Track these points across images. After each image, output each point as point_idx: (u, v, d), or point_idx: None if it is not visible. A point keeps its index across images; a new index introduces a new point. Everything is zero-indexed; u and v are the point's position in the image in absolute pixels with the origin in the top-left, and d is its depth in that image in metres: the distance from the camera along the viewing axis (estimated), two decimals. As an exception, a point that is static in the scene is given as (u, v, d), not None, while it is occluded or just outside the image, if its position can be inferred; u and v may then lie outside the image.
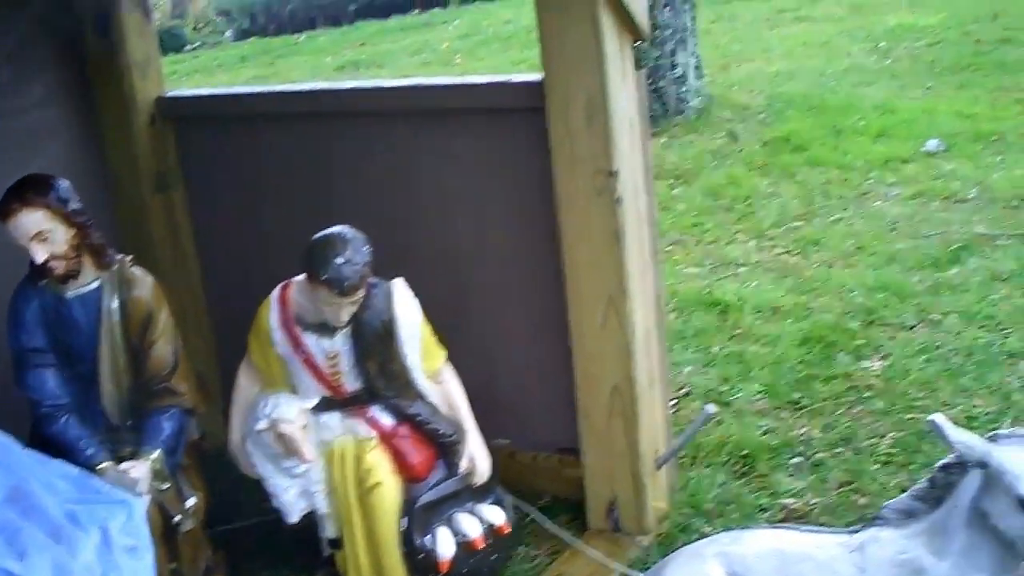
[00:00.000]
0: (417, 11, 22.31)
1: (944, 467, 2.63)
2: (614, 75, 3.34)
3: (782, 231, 6.83)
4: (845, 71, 11.12)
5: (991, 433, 2.57)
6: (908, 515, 2.69)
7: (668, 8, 9.11)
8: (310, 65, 17.15)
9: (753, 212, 7.20)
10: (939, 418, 2.55)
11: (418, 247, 3.99)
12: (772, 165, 8.08)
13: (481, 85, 4.01)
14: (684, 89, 9.32)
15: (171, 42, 20.84)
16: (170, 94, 4.62)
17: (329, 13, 22.67)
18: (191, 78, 17.48)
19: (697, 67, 9.53)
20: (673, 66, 9.22)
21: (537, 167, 3.60)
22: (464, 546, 3.49)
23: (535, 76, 3.52)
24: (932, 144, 8.10)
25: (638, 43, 3.57)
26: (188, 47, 21.91)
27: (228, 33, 23.16)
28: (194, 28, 23.54)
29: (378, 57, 16.95)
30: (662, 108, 9.19)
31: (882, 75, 10.80)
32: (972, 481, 2.55)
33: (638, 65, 3.59)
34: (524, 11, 3.44)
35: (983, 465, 2.48)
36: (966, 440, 2.51)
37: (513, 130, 3.74)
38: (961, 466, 2.56)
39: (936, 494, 2.65)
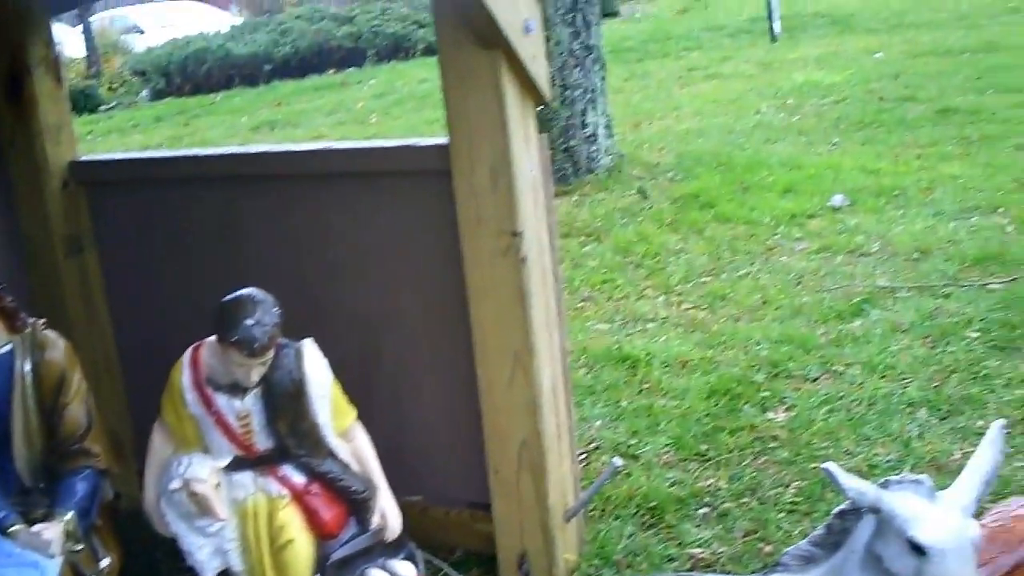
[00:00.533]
0: (333, 71, 22.46)
1: (840, 513, 2.71)
2: (517, 139, 3.44)
3: (690, 286, 6.95)
4: (754, 128, 11.35)
5: (883, 480, 2.66)
6: (807, 561, 2.77)
7: (578, 69, 9.28)
8: (226, 125, 17.18)
9: (662, 268, 7.32)
10: (832, 466, 2.63)
11: (329, 307, 4.04)
12: (681, 222, 8.23)
13: (390, 148, 4.08)
14: (595, 148, 9.47)
15: (85, 102, 20.81)
16: (83, 158, 4.64)
17: (245, 73, 22.72)
18: (106, 138, 17.45)
19: (608, 126, 9.69)
20: (584, 125, 9.38)
21: (445, 228, 3.68)
22: (377, 601, 3.54)
23: (442, 140, 3.60)
24: (837, 199, 8.30)
25: (541, 107, 3.66)
26: (103, 107, 21.82)
27: (144, 93, 23.12)
28: (109, 88, 23.48)
29: (293, 117, 17.02)
30: (573, 167, 9.35)
31: (789, 132, 11.05)
32: (866, 526, 2.63)
33: (541, 128, 3.68)
34: (439, 71, 3.53)
35: (876, 510, 2.56)
36: (859, 486, 2.59)
37: (421, 192, 3.82)
38: (856, 512, 2.64)
39: (833, 539, 2.73)
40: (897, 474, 3.18)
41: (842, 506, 2.72)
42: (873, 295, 6.40)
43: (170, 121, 18.77)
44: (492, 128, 3.41)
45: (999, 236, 7.21)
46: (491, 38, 3.29)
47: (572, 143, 9.35)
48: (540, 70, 3.48)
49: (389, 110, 16.39)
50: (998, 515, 3.02)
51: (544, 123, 9.04)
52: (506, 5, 3.25)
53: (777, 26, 19.54)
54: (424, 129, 13.13)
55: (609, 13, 26.92)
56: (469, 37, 3.35)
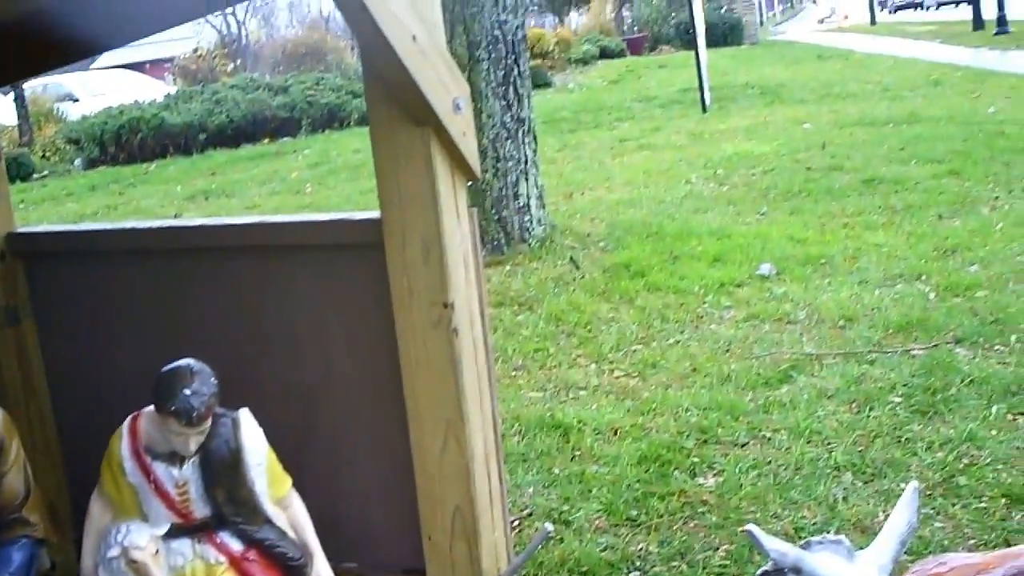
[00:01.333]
0: (267, 140, 22.54)
1: (763, 574, 2.79)
2: (448, 214, 3.54)
3: (622, 354, 7.05)
4: (684, 198, 11.55)
5: (804, 540, 2.74)
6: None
7: (511, 141, 9.44)
8: (160, 194, 17.18)
9: (594, 337, 7.42)
10: (754, 528, 2.71)
11: (265, 378, 4.10)
12: (612, 291, 8.35)
13: (324, 222, 4.17)
14: (527, 219, 9.61)
15: (18, 169, 20.72)
16: (20, 230, 4.69)
17: (180, 142, 22.74)
18: (40, 207, 17.38)
19: (540, 197, 9.83)
20: (516, 196, 9.52)
21: (378, 299, 3.76)
22: (312, 667, 3.59)
23: (374, 214, 3.70)
24: (765, 268, 8.47)
25: (470, 183, 3.76)
26: (36, 175, 21.74)
27: (77, 162, 23.05)
28: (42, 156, 23.40)
29: (228, 186, 17.06)
30: (506, 237, 9.48)
31: (719, 201, 11.25)
32: (789, 586, 2.72)
33: (471, 202, 3.78)
34: (371, 148, 3.59)
35: (796, 570, 2.64)
36: (780, 548, 2.67)
37: (355, 265, 3.90)
38: (779, 572, 2.71)
39: (758, 599, 2.81)
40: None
41: (765, 567, 2.78)
42: (800, 362, 6.54)
43: (104, 190, 18.75)
44: (423, 203, 3.50)
45: (921, 303, 7.38)
46: (422, 116, 3.40)
47: (505, 214, 9.49)
48: (470, 147, 3.59)
49: (324, 180, 16.49)
50: (916, 574, 3.12)
51: (476, 195, 9.25)
52: (436, 85, 3.37)
53: (708, 97, 19.89)
54: (358, 199, 13.23)
55: (542, 84, 27.27)
56: (401, 115, 3.45)
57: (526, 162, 9.62)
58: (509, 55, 9.44)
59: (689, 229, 9.91)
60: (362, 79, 3.66)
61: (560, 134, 18.70)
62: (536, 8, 71.24)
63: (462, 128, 3.55)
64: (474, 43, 9.27)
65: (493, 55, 9.33)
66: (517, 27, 9.58)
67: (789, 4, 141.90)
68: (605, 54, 39.24)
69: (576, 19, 55.33)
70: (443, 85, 3.43)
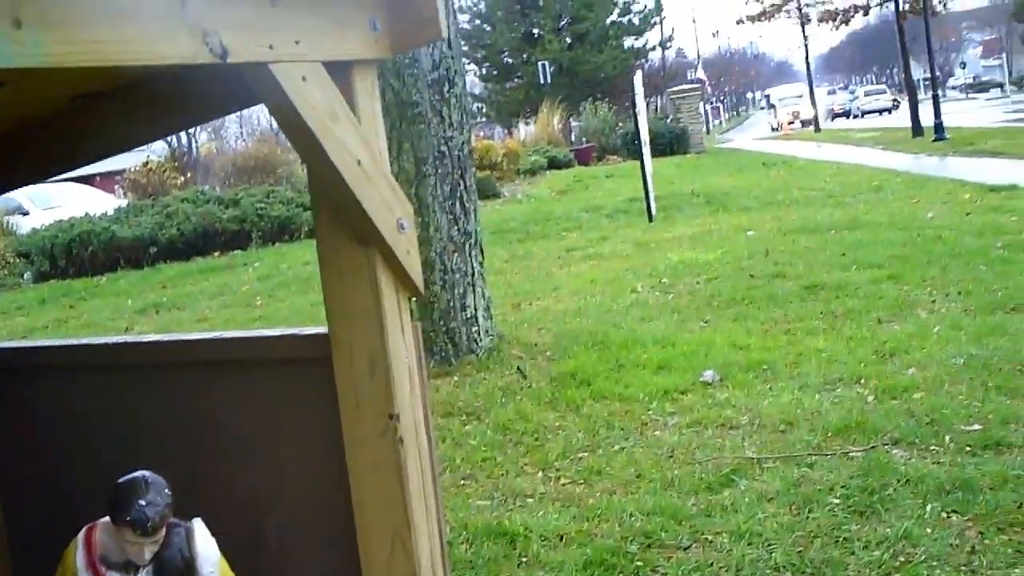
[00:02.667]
0: (218, 253, 22.61)
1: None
2: (393, 329, 3.68)
3: (568, 462, 7.17)
4: (630, 306, 11.73)
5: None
6: None
7: (457, 254, 9.61)
8: (111, 307, 17.20)
9: (541, 445, 7.54)
10: None
11: (217, 489, 4.20)
12: (559, 399, 8.48)
13: (272, 337, 4.31)
14: (475, 330, 9.75)
15: (-33, 284, 20.67)
16: (-26, 348, 4.80)
17: (130, 255, 22.75)
18: (-11, 321, 17.33)
19: (487, 308, 9.99)
20: (464, 308, 9.67)
21: (326, 411, 3.88)
22: None
23: (322, 329, 3.84)
24: (708, 375, 8.65)
25: (414, 298, 3.92)
26: (-15, 289, 21.68)
27: (27, 275, 23.01)
28: (-9, 270, 23.33)
29: (179, 299, 17.11)
30: (454, 349, 9.61)
31: (664, 310, 11.44)
32: None
33: (415, 317, 3.93)
34: (318, 265, 3.68)
35: None
36: None
37: (304, 378, 4.03)
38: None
39: None
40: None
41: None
42: (742, 466, 6.68)
43: (55, 303, 18.75)
44: (369, 319, 3.65)
45: (860, 406, 7.56)
46: (368, 236, 3.56)
47: (453, 325, 9.63)
48: (414, 264, 3.75)
49: (274, 292, 16.59)
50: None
51: (424, 307, 9.41)
52: (381, 206, 3.53)
53: (654, 206, 20.18)
54: (308, 311, 13.33)
55: (491, 195, 27.58)
56: (347, 235, 3.61)
57: (473, 274, 9.80)
58: (455, 170, 9.66)
59: (635, 338, 10.08)
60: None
61: (509, 244, 18.93)
62: (485, 120, 72.23)
63: (406, 246, 3.71)
64: (421, 159, 9.49)
65: (440, 170, 9.55)
66: (463, 143, 9.82)
67: (735, 113, 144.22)
68: (553, 164, 39.73)
69: (525, 130, 56.00)
70: (387, 206, 3.59)
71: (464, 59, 64.81)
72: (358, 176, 3.42)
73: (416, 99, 9.44)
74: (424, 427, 3.97)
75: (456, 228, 9.64)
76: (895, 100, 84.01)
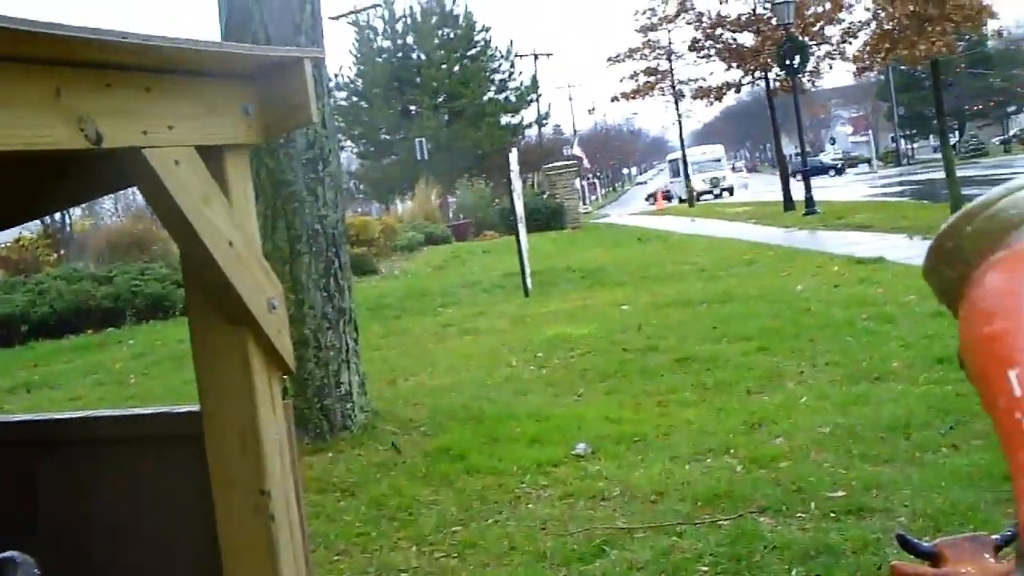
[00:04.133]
0: (91, 331, 22.32)
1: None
2: (264, 407, 3.75)
3: (442, 536, 7.21)
4: (504, 381, 11.85)
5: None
6: None
7: (332, 331, 9.67)
8: (-20, 389, 16.85)
9: (415, 520, 7.58)
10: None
11: (90, 566, 4.22)
12: (433, 474, 8.54)
13: (145, 415, 4.36)
14: (349, 406, 9.79)
15: None
16: None
17: (1, 333, 22.38)
18: None
19: (362, 384, 10.04)
20: (338, 385, 9.70)
21: (199, 488, 3.93)
22: None
23: (194, 407, 3.90)
24: (581, 447, 8.77)
25: (285, 376, 4.00)
26: None
27: None
28: None
29: (51, 378, 16.86)
30: (329, 425, 9.63)
31: (538, 384, 11.58)
32: None
33: (286, 395, 4.01)
34: (190, 345, 3.70)
35: None
36: None
37: (177, 456, 4.07)
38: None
39: None
40: None
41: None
42: (613, 537, 6.79)
43: (-79, 384, 18.39)
44: (240, 398, 3.72)
45: (729, 475, 7.73)
46: (239, 316, 3.64)
47: (327, 402, 9.66)
48: (284, 343, 3.83)
49: (148, 370, 16.44)
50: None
51: (299, 384, 9.43)
52: (252, 287, 3.62)
53: (530, 281, 20.37)
54: (183, 389, 13.23)
55: (369, 271, 27.63)
56: (218, 315, 3.69)
57: (347, 351, 9.84)
58: (330, 248, 9.73)
59: (509, 412, 10.19)
60: (184, 275, 3.89)
61: (385, 320, 18.98)
62: (362, 196, 72.33)
63: (277, 326, 3.80)
64: (295, 237, 9.55)
65: (314, 248, 9.62)
66: (337, 221, 9.91)
67: (612, 188, 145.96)
68: (431, 240, 39.97)
69: (402, 206, 56.19)
70: (259, 287, 3.68)
71: (341, 136, 64.70)
72: (230, 258, 3.50)
73: (291, 178, 9.52)
74: (296, 503, 4.03)
75: (330, 305, 9.70)
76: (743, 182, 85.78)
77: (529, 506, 7.65)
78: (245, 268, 3.58)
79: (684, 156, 77.86)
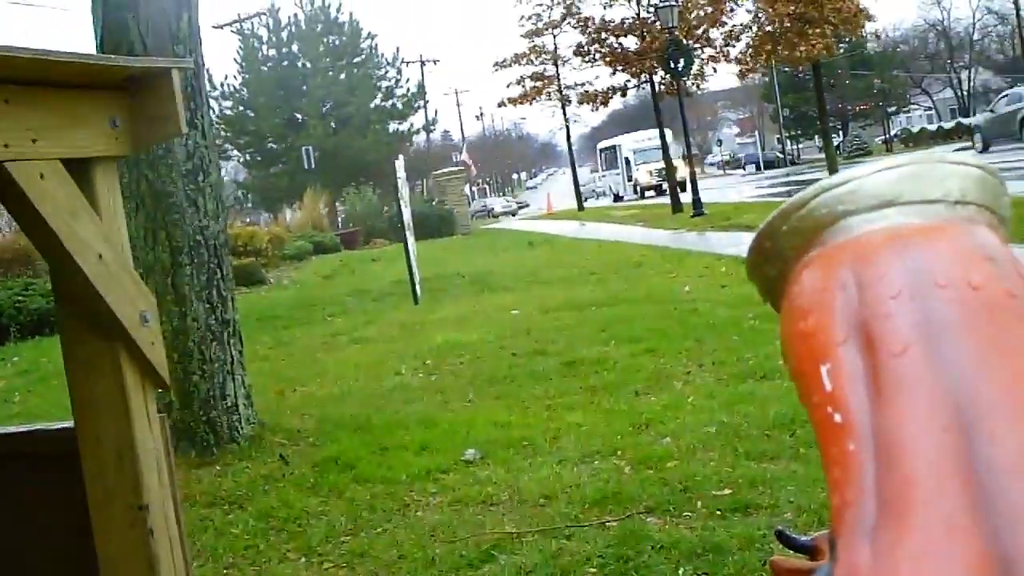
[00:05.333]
0: (-27, 349, 21.86)
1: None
2: (139, 420, 3.72)
3: (331, 546, 7.17)
4: (393, 390, 11.84)
5: None
6: None
7: (216, 343, 9.57)
8: None
9: (303, 531, 7.53)
10: None
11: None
12: (322, 485, 8.49)
13: (19, 433, 4.30)
14: (236, 418, 9.70)
15: None
16: None
17: None
18: None
19: (248, 396, 9.95)
20: (224, 397, 9.61)
21: (76, 504, 3.88)
22: None
23: (68, 423, 3.85)
24: (470, 453, 8.78)
25: (160, 390, 3.96)
26: None
27: None
28: None
29: (-69, 398, 16.48)
30: (215, 438, 9.53)
31: (427, 391, 11.58)
32: None
33: (173, 408, 3.98)
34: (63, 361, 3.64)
35: None
36: None
37: (52, 472, 4.03)
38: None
39: None
40: None
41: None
42: (501, 541, 6.81)
43: None
44: (115, 412, 3.68)
45: (617, 477, 7.80)
46: (111, 330, 3.60)
47: (213, 415, 9.55)
48: (158, 356, 3.80)
49: (34, 387, 16.14)
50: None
51: (185, 397, 9.34)
52: (124, 300, 3.58)
53: (419, 288, 20.37)
54: (68, 406, 13.03)
55: (257, 281, 27.42)
56: (90, 329, 3.65)
57: (232, 363, 9.75)
58: (212, 259, 9.64)
59: (398, 420, 10.18)
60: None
61: (274, 331, 18.84)
62: (250, 206, 71.76)
63: (150, 339, 3.76)
64: (176, 248, 9.44)
65: (196, 260, 9.52)
66: (219, 231, 9.81)
67: (502, 193, 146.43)
68: (320, 249, 39.78)
69: (291, 215, 55.88)
70: (130, 300, 3.64)
71: (228, 146, 63.98)
72: (100, 271, 3.46)
73: (171, 189, 9.42)
74: (175, 517, 4.00)
75: (214, 317, 9.60)
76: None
77: (418, 513, 7.65)
78: (116, 281, 3.55)
79: (573, 164, 69.71)
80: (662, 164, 55.46)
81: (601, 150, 79.91)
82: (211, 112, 10.32)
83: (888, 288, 0.94)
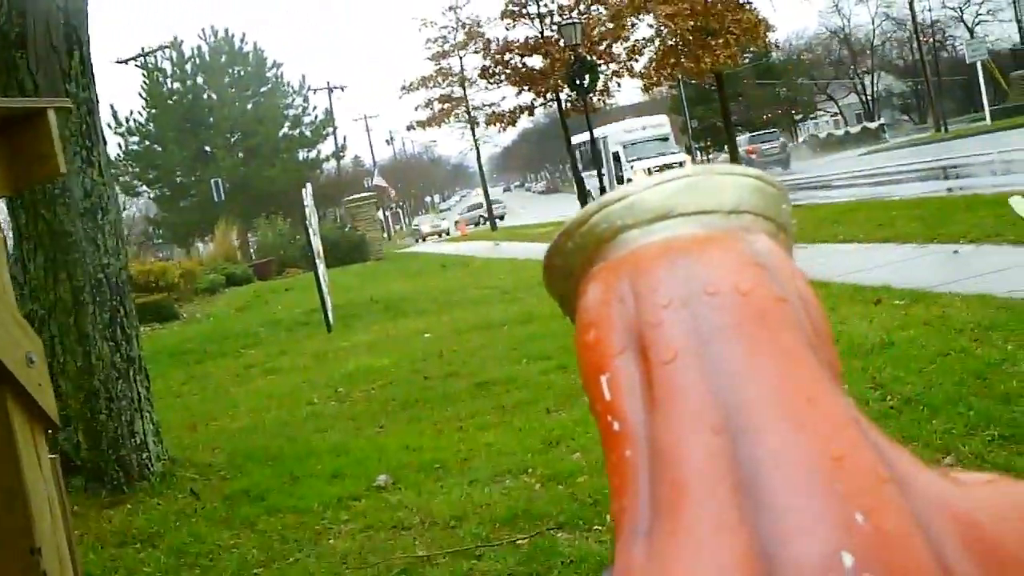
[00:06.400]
0: None
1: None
2: (29, 463, 3.71)
3: (243, 579, 7.21)
4: (305, 419, 11.82)
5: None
6: None
7: (122, 381, 9.50)
8: None
9: (215, 565, 7.48)
10: None
11: None
12: (234, 518, 8.45)
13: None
14: (146, 455, 9.62)
15: None
16: None
17: None
18: None
19: (157, 433, 9.88)
20: (133, 435, 9.53)
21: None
22: None
23: (-42, 469, 3.83)
24: (381, 479, 8.78)
25: (51, 431, 3.95)
26: None
27: None
28: None
29: None
30: (126, 476, 9.45)
31: (340, 418, 11.57)
32: None
33: (82, 449, 3.97)
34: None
35: None
36: None
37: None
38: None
39: None
40: None
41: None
42: (412, 565, 6.82)
43: None
44: (3, 455, 3.67)
45: (527, 494, 7.84)
46: (-5, 373, 3.59)
47: (123, 453, 9.47)
48: (46, 398, 3.79)
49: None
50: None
51: (93, 436, 9.26)
52: (8, 342, 3.58)
53: (332, 316, 20.33)
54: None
55: (170, 317, 27.21)
56: (-25, 374, 3.64)
57: (140, 400, 9.68)
58: (114, 297, 9.57)
59: (309, 449, 10.16)
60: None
61: (188, 366, 18.72)
62: (161, 241, 71.15)
63: (37, 380, 3.76)
64: (78, 288, 9.36)
65: (98, 298, 9.44)
66: (120, 269, 9.74)
67: (421, 211, 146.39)
68: (232, 281, 39.49)
69: (203, 248, 55.51)
70: (15, 342, 3.63)
71: (137, 181, 63.30)
72: (-20, 314, 3.46)
73: (69, 228, 9.34)
74: (70, 559, 3.99)
75: (119, 355, 9.53)
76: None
77: (330, 541, 7.64)
78: (-2, 324, 3.54)
79: (484, 185, 66.73)
80: (663, 159, 50.09)
81: (577, 145, 55.30)
82: (108, 149, 10.26)
83: (660, 297, 1.00)
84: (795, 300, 1.03)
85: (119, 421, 9.48)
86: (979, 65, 50.63)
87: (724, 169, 1.11)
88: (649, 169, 46.25)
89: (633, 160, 53.47)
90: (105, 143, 9.98)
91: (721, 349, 0.97)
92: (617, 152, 56.33)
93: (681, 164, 41.74)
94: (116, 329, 9.56)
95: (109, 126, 61.51)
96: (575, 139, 50.52)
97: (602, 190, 46.90)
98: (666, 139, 56.34)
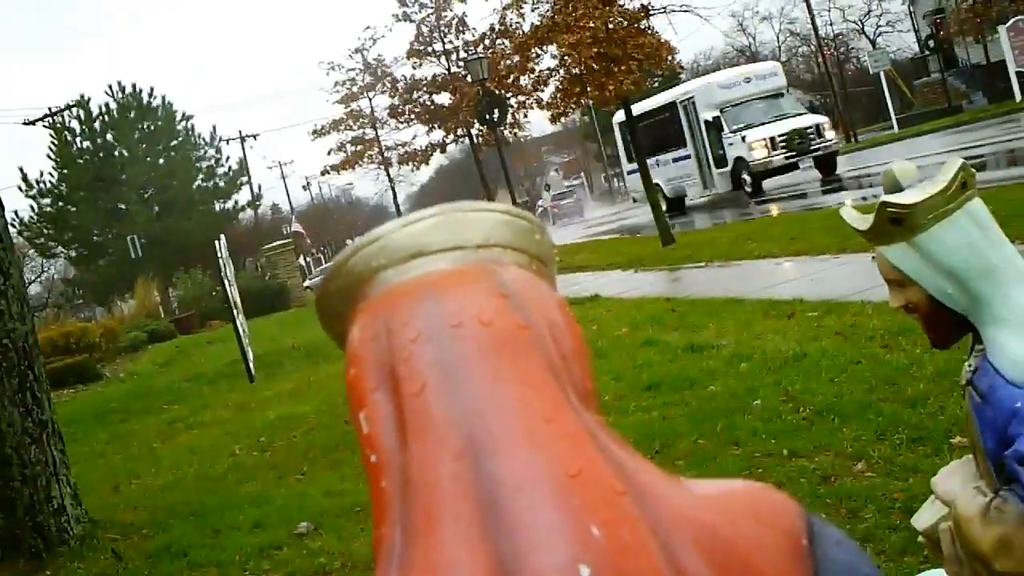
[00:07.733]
0: None
1: None
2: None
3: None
4: (227, 471, 11.77)
5: None
6: None
7: (35, 446, 9.42)
8: None
9: (137, 626, 7.49)
10: None
11: None
12: (156, 576, 8.44)
13: None
14: (64, 519, 9.54)
15: None
16: None
17: None
18: None
19: (75, 496, 9.80)
20: (50, 500, 9.44)
21: None
22: None
23: None
24: (303, 526, 8.76)
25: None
26: None
27: None
28: None
29: None
30: (44, 543, 9.35)
31: (261, 468, 11.53)
32: None
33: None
34: None
35: None
36: None
37: None
38: None
39: None
40: None
41: None
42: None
43: None
44: None
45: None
46: None
47: (40, 519, 9.38)
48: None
49: None
50: None
51: (8, 503, 9.15)
52: None
53: (253, 366, 20.23)
54: None
55: (93, 378, 26.96)
56: None
57: (55, 464, 9.60)
58: (22, 361, 9.49)
59: (230, 501, 10.10)
60: None
61: (111, 426, 18.53)
62: (81, 302, 70.39)
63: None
64: (-17, 355, 9.30)
65: (5, 364, 9.36)
66: (27, 333, 9.67)
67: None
68: (155, 337, 39.12)
69: (124, 306, 54.99)
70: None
71: (53, 243, 62.56)
72: None
73: (-29, 295, 9.27)
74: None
75: (30, 420, 9.44)
76: None
77: (258, 591, 7.63)
78: None
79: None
80: (787, 123, 35.69)
81: (637, 118, 31.68)
82: (17, 212, 10.19)
83: (410, 332, 1.05)
84: (540, 326, 1.08)
85: (34, 487, 9.38)
86: (882, 75, 51.30)
87: (472, 206, 1.17)
88: (772, 139, 35.30)
89: (740, 129, 36.59)
90: (2, 207, 9.88)
91: (465, 378, 1.03)
92: (713, 119, 38.15)
93: (818, 128, 35.31)
94: (26, 394, 9.48)
95: (20, 188, 60.87)
96: (615, 119, 40.10)
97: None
98: (779, 92, 38.52)
